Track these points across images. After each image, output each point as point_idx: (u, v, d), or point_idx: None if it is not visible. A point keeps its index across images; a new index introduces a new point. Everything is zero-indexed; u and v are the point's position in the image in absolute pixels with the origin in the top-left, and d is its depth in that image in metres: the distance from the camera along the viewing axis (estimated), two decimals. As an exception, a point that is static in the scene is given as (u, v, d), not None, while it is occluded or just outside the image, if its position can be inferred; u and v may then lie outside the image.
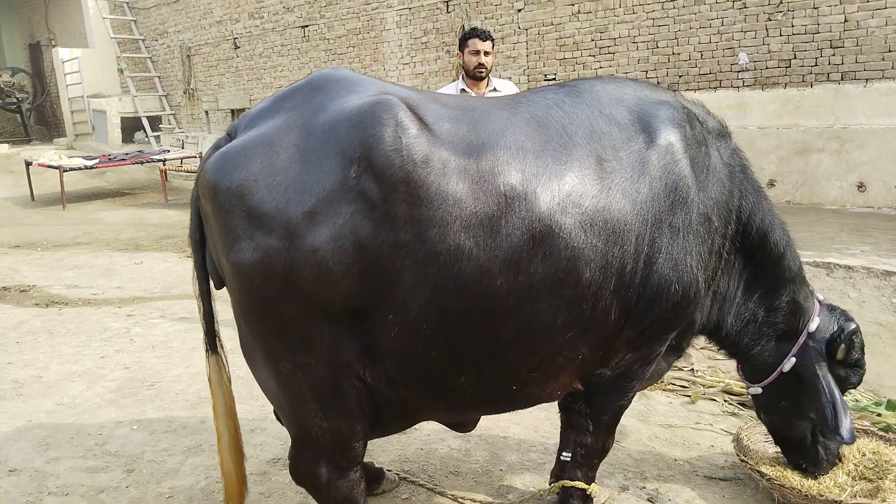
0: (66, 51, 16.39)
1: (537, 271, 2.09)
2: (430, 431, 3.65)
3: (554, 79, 10.05)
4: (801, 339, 2.68)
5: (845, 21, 7.74)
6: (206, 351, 2.38)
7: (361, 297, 2.03)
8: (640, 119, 2.39)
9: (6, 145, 15.83)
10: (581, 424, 2.61)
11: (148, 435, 3.69)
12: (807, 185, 8.18)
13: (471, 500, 2.96)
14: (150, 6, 16.00)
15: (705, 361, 4.74)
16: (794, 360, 2.70)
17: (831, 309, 2.81)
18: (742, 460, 3.01)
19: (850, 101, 7.80)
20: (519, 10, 10.20)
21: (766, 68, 8.33)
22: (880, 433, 3.29)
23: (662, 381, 4.36)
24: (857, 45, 7.71)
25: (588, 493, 2.64)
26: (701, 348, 4.87)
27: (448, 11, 10.99)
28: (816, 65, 8.01)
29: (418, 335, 2.08)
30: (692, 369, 4.59)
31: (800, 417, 2.81)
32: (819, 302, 2.78)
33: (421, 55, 11.48)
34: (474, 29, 4.78)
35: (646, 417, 3.88)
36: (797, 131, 8.14)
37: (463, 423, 2.70)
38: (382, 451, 3.45)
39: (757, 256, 2.65)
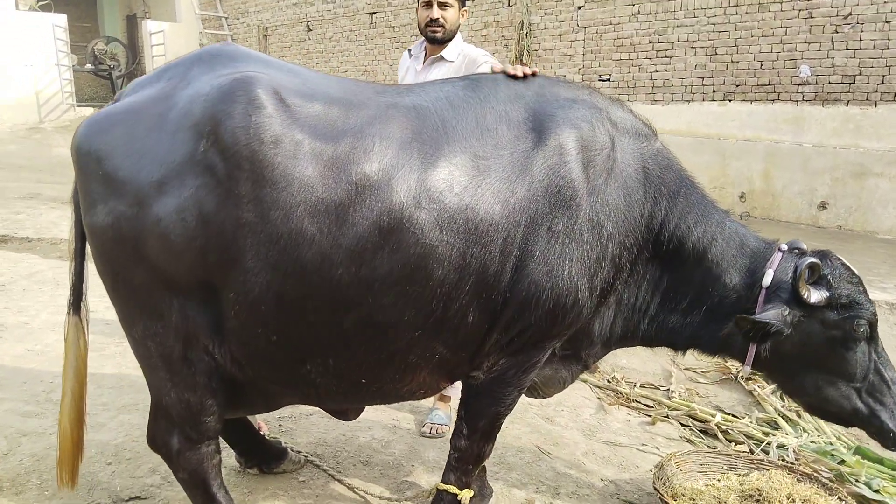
0: (154, 23, 17.16)
1: (382, 265, 2.02)
2: (360, 419, 3.59)
3: (609, 79, 9.75)
4: (760, 300, 2.38)
5: (919, 37, 7.14)
6: (68, 310, 2.40)
7: (204, 271, 2.02)
8: (534, 117, 2.28)
9: (92, 109, 16.75)
10: (457, 427, 2.50)
11: (94, 388, 3.77)
12: (861, 210, 7.61)
13: (363, 491, 2.89)
14: (235, -15, 16.55)
15: (686, 383, 4.48)
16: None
17: (801, 253, 2.45)
18: (655, 489, 2.81)
19: (917, 124, 7.20)
20: (579, 8, 9.93)
21: (829, 83, 7.79)
22: (826, 480, 3.00)
23: (624, 396, 4.15)
24: (930, 65, 7.11)
25: (458, 498, 2.52)
26: (685, 368, 4.62)
27: (509, 5, 10.83)
28: (883, 83, 7.42)
29: (259, 317, 2.05)
30: (668, 389, 4.35)
31: (825, 384, 2.46)
32: (781, 251, 2.44)
33: (480, 48, 11.35)
34: None
35: (592, 432, 3.70)
36: (856, 152, 7.59)
37: (342, 412, 2.63)
38: (305, 432, 3.42)
39: (675, 263, 2.46)
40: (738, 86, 8.52)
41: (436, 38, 3.38)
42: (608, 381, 4.37)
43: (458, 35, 3.48)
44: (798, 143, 8.03)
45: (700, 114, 8.85)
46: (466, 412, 2.46)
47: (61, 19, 15.71)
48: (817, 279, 2.37)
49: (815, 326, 2.39)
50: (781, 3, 8.02)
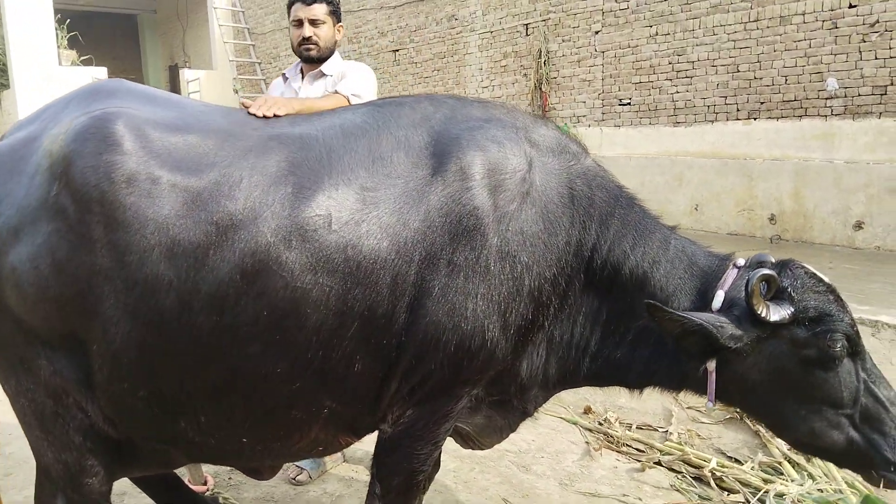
0: (190, 72, 17.66)
1: (246, 312, 1.82)
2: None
3: (629, 103, 9.46)
4: (712, 325, 2.00)
5: (952, 42, 6.66)
6: None
7: (63, 322, 1.88)
8: (437, 142, 2.06)
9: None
10: (370, 487, 2.25)
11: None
12: (900, 229, 7.07)
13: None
14: (267, 31, 16.90)
15: (687, 423, 4.11)
16: (713, 360, 2.05)
17: (759, 264, 2.11)
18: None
19: (956, 134, 6.68)
20: (596, 33, 9.71)
21: (859, 95, 7.33)
22: (820, 537, 2.63)
23: (615, 440, 3.81)
24: (967, 70, 6.61)
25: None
26: (687, 407, 4.25)
27: (527, 35, 10.69)
28: (917, 92, 6.94)
29: (122, 370, 1.88)
30: (666, 431, 3.99)
31: (811, 414, 2.07)
32: (736, 266, 2.12)
33: (500, 78, 11.24)
34: None
35: (571, 481, 3.39)
36: (891, 167, 7.08)
37: (254, 470, 2.42)
38: (254, 486, 3.22)
39: (614, 291, 2.18)
40: (762, 103, 8.12)
41: (310, 57, 3.19)
42: (600, 423, 4.03)
43: (337, 53, 3.29)
44: (829, 160, 7.56)
45: (724, 134, 8.46)
46: (378, 470, 2.21)
47: (102, 72, 16.24)
48: (776, 294, 2.00)
49: (782, 347, 2.01)
50: (804, 14, 7.64)
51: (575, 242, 2.11)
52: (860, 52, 7.28)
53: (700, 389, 2.20)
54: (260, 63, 17.25)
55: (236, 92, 17.21)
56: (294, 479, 3.23)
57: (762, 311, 1.95)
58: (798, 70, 7.78)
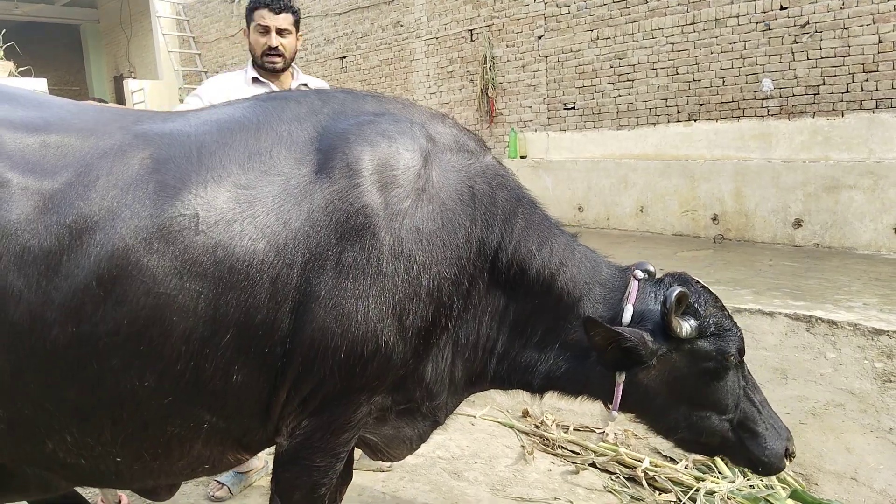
0: (135, 82, 17.23)
1: (105, 322, 1.68)
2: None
3: (574, 107, 9.50)
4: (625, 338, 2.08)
5: (879, 42, 6.82)
6: None
7: None
8: (323, 137, 1.95)
9: (76, 170, 16.82)
10: (271, 502, 2.13)
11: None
12: (837, 226, 7.21)
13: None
14: (212, 40, 16.61)
15: (625, 424, 4.07)
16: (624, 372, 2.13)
17: (658, 282, 2.22)
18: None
19: (886, 131, 6.84)
20: (539, 38, 9.75)
21: (793, 95, 7.48)
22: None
23: (551, 443, 3.75)
24: (894, 69, 6.78)
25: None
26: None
27: (472, 40, 10.68)
28: (848, 91, 7.10)
29: None
30: (603, 432, 3.95)
31: (699, 419, 2.23)
32: (637, 279, 2.20)
33: (447, 84, 11.21)
34: None
35: (503, 486, 3.31)
36: (826, 165, 7.22)
37: (150, 491, 2.27)
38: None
39: (520, 292, 2.15)
40: (702, 105, 8.23)
41: (276, 69, 3.07)
42: (536, 426, 3.97)
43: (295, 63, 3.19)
44: (767, 160, 7.68)
45: (666, 136, 8.54)
46: (277, 485, 2.09)
47: (41, 84, 15.66)
48: (686, 310, 2.12)
49: (685, 359, 2.15)
50: (738, 17, 7.77)
51: (477, 240, 2.04)
52: (792, 52, 7.43)
53: (601, 396, 2.27)
54: (206, 72, 16.94)
55: (182, 101, 16.91)
56: (213, 495, 3.09)
57: (678, 328, 2.06)
58: (735, 71, 7.91)
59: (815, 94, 7.33)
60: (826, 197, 7.27)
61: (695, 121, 8.30)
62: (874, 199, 6.95)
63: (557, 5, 9.45)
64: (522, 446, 3.76)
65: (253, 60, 3.14)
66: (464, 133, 2.16)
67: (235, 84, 3.10)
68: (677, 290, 2.05)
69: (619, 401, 2.16)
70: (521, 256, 2.11)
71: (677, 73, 8.37)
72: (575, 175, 9.45)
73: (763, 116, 7.75)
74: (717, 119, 8.11)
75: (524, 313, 2.17)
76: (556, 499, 3.20)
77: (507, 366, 2.20)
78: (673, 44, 8.34)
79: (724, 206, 8.06)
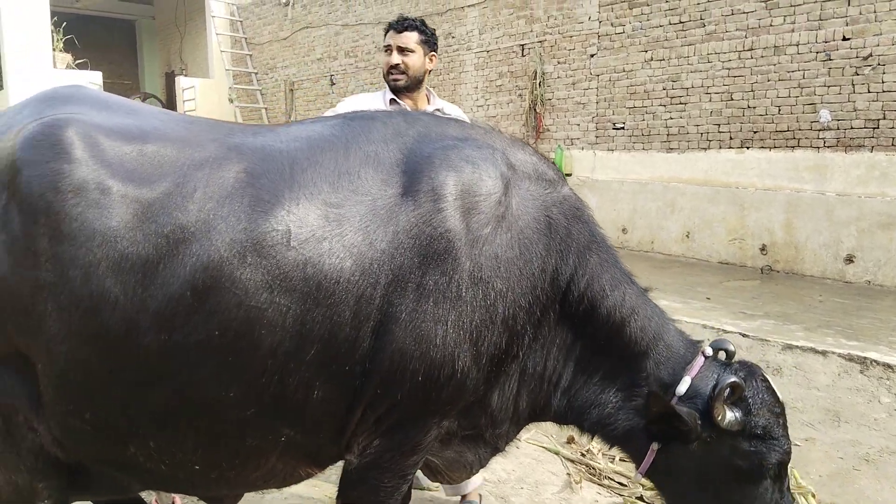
0: (186, 80, 17.56)
1: (197, 331, 1.72)
2: (293, 495, 3.26)
3: (623, 127, 9.45)
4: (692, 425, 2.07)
5: (946, 79, 6.67)
6: None
7: (7, 340, 1.77)
8: (408, 159, 1.98)
9: (124, 163, 17.18)
10: None
11: None
12: (890, 264, 7.05)
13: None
14: (264, 42, 16.87)
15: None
16: (657, 443, 2.11)
17: (726, 365, 2.18)
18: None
19: (948, 170, 6.68)
20: (592, 56, 9.72)
21: (851, 128, 7.34)
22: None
23: (597, 472, 3.72)
24: (960, 107, 6.62)
25: None
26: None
27: (523, 55, 10.69)
28: (909, 127, 6.95)
29: (68, 391, 1.78)
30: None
31: None
32: (705, 356, 2.17)
33: (495, 98, 11.23)
34: (397, 18, 3.24)
35: (549, 516, 3.29)
36: (882, 201, 7.07)
37: (216, 500, 2.31)
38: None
39: (588, 329, 2.14)
40: (755, 132, 8.12)
41: (398, 86, 3.12)
42: (582, 454, 3.94)
43: (426, 85, 3.20)
44: (821, 192, 7.54)
45: (717, 162, 8.44)
46: (344, 503, 2.12)
47: (97, 77, 16.17)
48: (737, 401, 2.08)
49: (721, 450, 2.09)
50: (798, 45, 7.66)
51: (551, 271, 2.05)
52: (853, 84, 7.29)
53: (633, 455, 2.26)
54: (256, 73, 17.23)
55: (231, 101, 17.17)
56: None
57: (720, 415, 2.03)
58: (791, 101, 7.78)
59: (874, 128, 7.18)
60: (881, 234, 7.11)
61: (747, 148, 8.19)
62: (932, 239, 6.78)
63: (612, 24, 9.41)
64: (568, 474, 3.73)
65: (384, 77, 3.22)
66: (543, 162, 2.18)
67: (374, 104, 3.13)
68: (732, 379, 2.04)
69: (646, 468, 2.15)
70: (592, 293, 2.10)
71: (732, 99, 8.27)
72: (621, 196, 9.39)
73: (819, 148, 7.61)
74: (770, 148, 7.99)
75: (588, 352, 2.17)
76: (603, 532, 3.17)
77: (566, 401, 2.20)
78: (729, 69, 8.24)
79: (773, 237, 7.93)
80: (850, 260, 7.35)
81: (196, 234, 1.73)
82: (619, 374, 2.18)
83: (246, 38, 17.41)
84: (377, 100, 3.22)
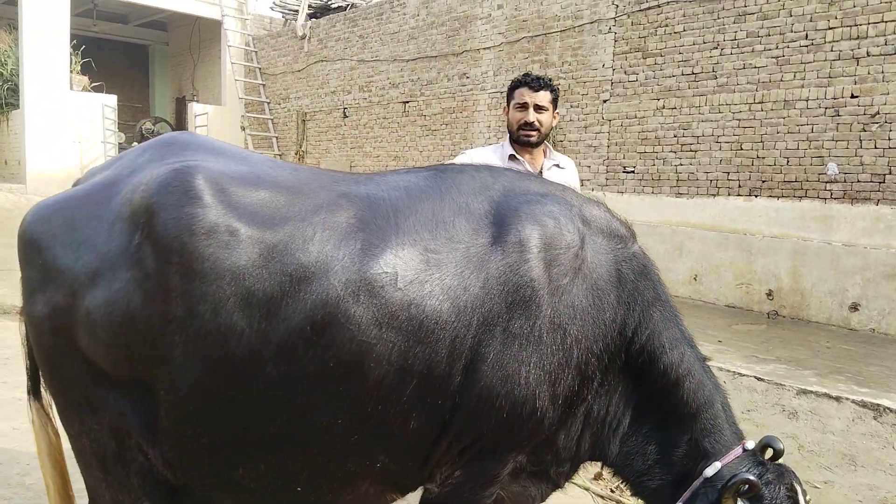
0: (199, 106, 17.91)
1: (313, 362, 1.88)
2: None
3: (633, 171, 9.72)
4: (695, 485, 2.21)
5: (950, 138, 6.97)
6: (28, 395, 2.32)
7: (132, 368, 1.92)
8: (497, 211, 2.16)
9: (134, 185, 17.36)
10: None
11: (71, 473, 3.66)
12: (895, 313, 7.27)
13: None
14: (278, 73, 17.23)
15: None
16: None
17: (759, 463, 2.25)
18: None
19: (951, 226, 6.95)
20: (605, 101, 10.04)
21: (857, 181, 7.62)
22: None
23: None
24: (963, 166, 6.91)
25: None
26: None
27: (537, 97, 11.00)
28: (914, 183, 7.23)
29: (188, 417, 1.93)
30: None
31: None
32: (744, 449, 2.27)
33: (507, 137, 11.50)
34: (526, 75, 3.36)
35: (586, 547, 3.42)
36: (888, 253, 7.32)
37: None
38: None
39: (644, 381, 2.28)
40: (763, 181, 8.40)
41: (530, 143, 3.22)
42: (612, 490, 4.09)
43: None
44: (827, 242, 7.80)
45: (726, 208, 8.71)
46: None
47: (111, 100, 16.51)
48: (753, 497, 2.14)
49: None
50: (807, 100, 7.97)
51: (620, 321, 2.20)
52: (860, 140, 7.59)
53: None
54: (269, 102, 17.53)
55: (243, 129, 17.45)
56: None
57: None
58: (800, 153, 8.08)
59: (880, 182, 7.46)
60: (885, 284, 7.35)
61: (755, 196, 8.46)
62: (935, 291, 7.01)
63: (626, 72, 9.74)
64: (599, 509, 3.87)
65: (510, 136, 3.33)
66: (615, 219, 2.35)
67: (493, 159, 3.26)
68: (748, 477, 2.11)
69: None
70: (652, 347, 2.23)
71: (741, 149, 8.56)
72: (630, 237, 9.61)
73: (826, 199, 7.88)
74: (778, 197, 8.26)
75: (643, 404, 2.29)
76: (639, 565, 3.30)
77: (619, 447, 2.31)
78: (739, 120, 8.55)
79: (779, 283, 8.16)
80: (854, 308, 7.58)
81: (316, 273, 1.89)
82: (664, 430, 2.29)
83: (260, 68, 17.76)
84: (495, 155, 3.34)
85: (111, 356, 1.90)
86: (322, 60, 15.69)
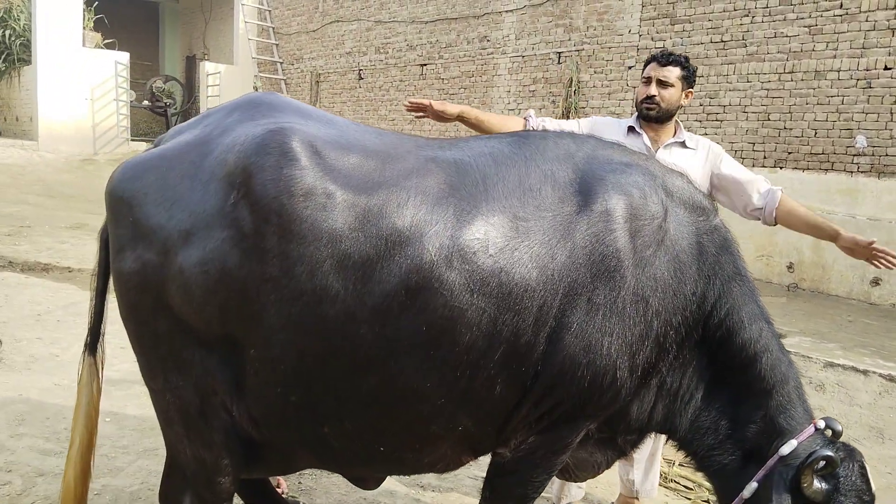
0: (211, 65, 17.69)
1: (407, 326, 1.90)
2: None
3: (656, 141, 9.63)
4: (770, 463, 2.19)
5: (983, 113, 6.89)
6: (84, 350, 2.35)
7: (224, 326, 1.95)
8: (582, 180, 2.14)
9: (145, 144, 17.24)
10: None
11: (116, 429, 3.72)
12: (918, 289, 7.27)
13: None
14: (292, 32, 17.00)
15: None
16: (755, 485, 2.20)
17: (829, 442, 2.23)
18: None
19: (980, 202, 6.90)
20: (629, 68, 9.91)
21: (886, 155, 7.56)
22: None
23: (665, 477, 3.91)
24: None
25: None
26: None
27: (559, 63, 10.88)
28: (944, 158, 7.17)
29: (278, 375, 1.96)
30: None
31: None
32: (816, 428, 2.23)
33: (528, 103, 11.40)
34: (661, 50, 3.39)
35: (626, 514, 3.47)
36: (912, 228, 7.29)
37: (361, 479, 2.49)
38: (325, 493, 3.28)
39: (720, 356, 2.26)
40: (790, 153, 8.33)
41: (649, 115, 3.18)
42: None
43: (676, 118, 3.27)
44: (851, 215, 7.75)
45: (749, 179, 8.63)
46: (491, 493, 2.29)
47: (123, 57, 16.32)
48: (829, 475, 2.14)
49: None
50: (839, 71, 7.87)
51: (700, 294, 2.19)
52: (891, 113, 7.51)
53: (719, 488, 2.36)
54: (282, 63, 17.34)
55: (256, 89, 17.30)
56: None
57: (807, 484, 2.10)
58: (828, 124, 7.99)
59: (909, 157, 7.40)
60: (910, 259, 7.31)
61: (780, 168, 8.40)
62: (960, 267, 6.99)
63: (652, 38, 9.60)
64: (635, 475, 3.91)
65: (635, 106, 3.29)
66: (697, 191, 2.32)
67: (612, 129, 3.24)
68: (828, 453, 2.09)
69: None
70: (731, 322, 2.21)
71: (769, 119, 8.48)
72: (650, 207, 9.57)
73: (852, 172, 7.83)
74: (803, 169, 8.20)
75: (717, 379, 2.28)
76: (680, 531, 3.36)
77: (689, 422, 2.30)
78: (768, 90, 8.45)
79: (801, 256, 8.15)
80: (876, 283, 7.57)
81: (411, 238, 1.90)
82: (738, 406, 2.28)
83: (273, 28, 17.52)
84: (615, 126, 3.31)
85: (204, 314, 1.92)
86: (337, 21, 15.47)
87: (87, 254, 7.93)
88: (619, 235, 2.06)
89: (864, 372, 5.15)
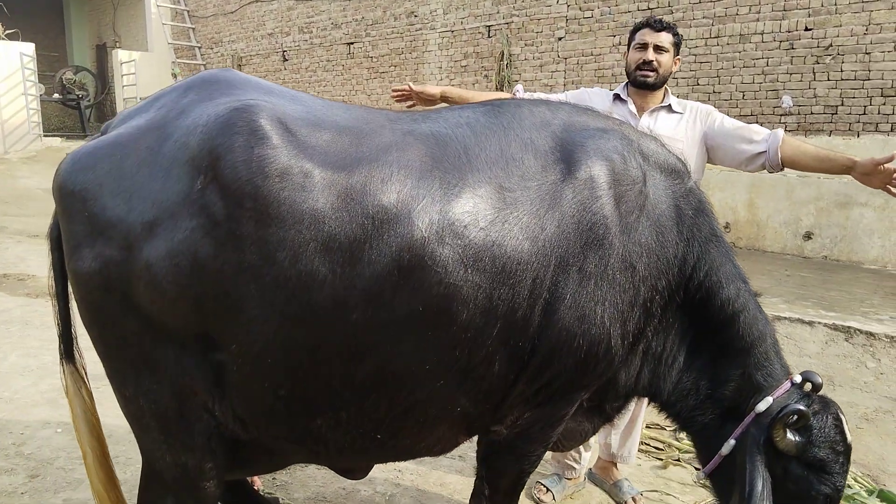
0: (125, 53, 16.86)
1: (401, 307, 1.79)
2: (360, 469, 3.36)
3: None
4: (747, 420, 2.19)
5: (899, 69, 7.22)
6: (61, 358, 2.17)
7: (201, 322, 1.79)
8: (562, 147, 2.08)
9: (59, 139, 16.33)
10: (477, 488, 2.28)
11: (70, 440, 3.50)
12: (846, 240, 7.62)
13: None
14: (209, 15, 16.37)
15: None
16: (733, 442, 2.20)
17: (806, 395, 2.22)
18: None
19: (900, 154, 7.25)
20: (559, 39, 9.95)
21: (811, 114, 7.85)
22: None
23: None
24: (911, 96, 7.18)
25: (485, 564, 2.29)
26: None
27: (489, 36, 10.82)
28: (865, 113, 7.50)
29: (264, 370, 1.82)
30: (675, 429, 4.17)
31: None
32: (793, 383, 2.23)
33: (460, 78, 11.33)
34: (649, 17, 3.26)
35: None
36: (840, 183, 7.60)
37: (349, 470, 2.41)
38: (302, 486, 3.17)
39: (700, 317, 2.25)
40: (720, 116, 8.53)
41: (646, 83, 3.10)
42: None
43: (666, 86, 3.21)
44: (782, 174, 8.01)
45: (683, 144, 8.83)
46: (487, 471, 2.25)
47: (29, 48, 15.35)
48: (803, 428, 2.13)
49: (776, 470, 2.15)
50: (762, 34, 8.09)
51: (680, 257, 2.18)
52: (814, 72, 7.78)
53: (699, 447, 2.37)
54: (200, 47, 16.71)
55: (175, 76, 16.60)
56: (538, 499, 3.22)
57: (779, 437, 2.10)
58: (755, 87, 8.24)
59: (833, 114, 7.70)
60: (837, 212, 7.66)
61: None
62: (884, 218, 7.36)
63: (580, 8, 9.65)
64: (606, 441, 3.95)
65: (628, 78, 3.21)
66: (671, 154, 2.30)
67: (601, 99, 3.18)
68: (799, 407, 2.07)
69: (713, 467, 2.24)
70: (710, 283, 2.21)
71: (698, 84, 8.67)
72: (588, 176, 9.69)
73: (780, 131, 8.08)
74: (734, 131, 8.41)
75: (697, 340, 2.28)
76: (654, 491, 3.41)
77: (673, 384, 2.30)
78: (695, 55, 8.63)
79: (736, 216, 8.40)
80: (808, 237, 7.89)
81: (399, 215, 1.80)
82: (718, 365, 2.27)
83: (188, 11, 16.84)
84: (603, 95, 3.26)
85: (177, 310, 1.77)
86: (257, 1, 14.97)
87: (10, 258, 7.47)
88: (605, 202, 2.02)
89: (810, 323, 5.36)
